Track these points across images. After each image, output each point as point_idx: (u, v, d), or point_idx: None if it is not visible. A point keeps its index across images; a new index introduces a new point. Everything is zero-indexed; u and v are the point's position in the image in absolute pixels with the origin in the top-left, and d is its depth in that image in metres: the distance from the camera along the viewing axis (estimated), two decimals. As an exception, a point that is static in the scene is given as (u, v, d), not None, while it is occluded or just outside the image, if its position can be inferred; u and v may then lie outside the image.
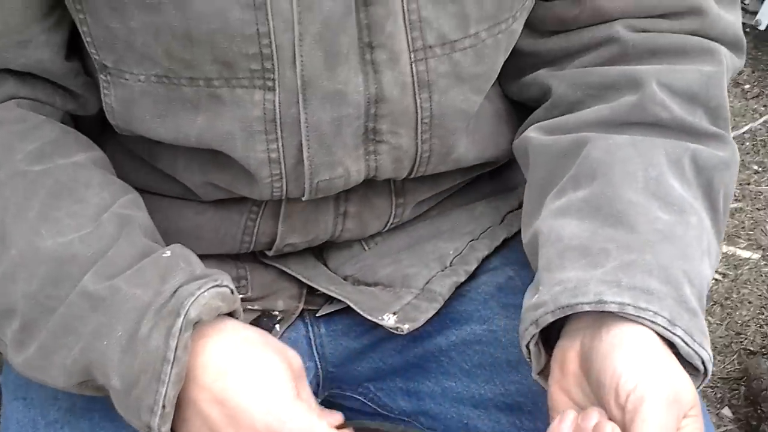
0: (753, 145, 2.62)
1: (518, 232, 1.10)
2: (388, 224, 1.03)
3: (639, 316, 0.76)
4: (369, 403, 1.07)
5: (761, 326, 2.09)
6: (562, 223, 0.84)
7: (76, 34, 0.89)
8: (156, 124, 0.87)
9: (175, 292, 0.79)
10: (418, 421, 1.03)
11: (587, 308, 0.77)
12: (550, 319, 0.79)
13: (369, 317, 0.98)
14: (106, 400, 0.85)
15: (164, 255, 0.84)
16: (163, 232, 0.99)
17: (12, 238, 0.83)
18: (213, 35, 0.80)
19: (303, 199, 0.92)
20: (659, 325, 0.76)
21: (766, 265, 2.25)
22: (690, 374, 0.77)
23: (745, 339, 2.06)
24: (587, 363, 0.77)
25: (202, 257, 1.02)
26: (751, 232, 2.34)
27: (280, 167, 0.89)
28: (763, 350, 1.85)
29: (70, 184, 0.86)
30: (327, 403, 1.13)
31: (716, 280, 2.21)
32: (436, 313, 0.99)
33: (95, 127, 0.97)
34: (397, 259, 1.03)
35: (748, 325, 2.09)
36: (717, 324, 2.10)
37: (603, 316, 0.77)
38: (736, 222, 2.37)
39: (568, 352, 0.80)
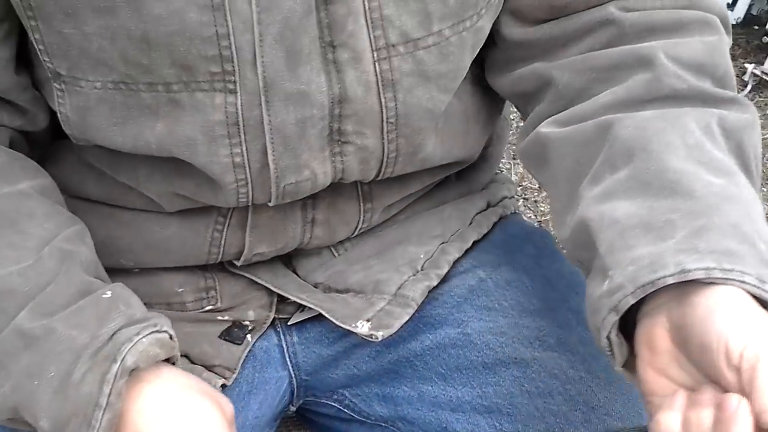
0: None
1: (487, 234, 1.09)
2: (357, 230, 1.02)
3: (727, 278, 0.71)
4: (345, 410, 1.06)
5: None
6: (611, 206, 0.79)
7: (22, 46, 0.87)
8: (113, 133, 0.85)
9: (112, 336, 0.78)
10: (396, 427, 1.02)
11: (671, 280, 0.72)
12: (632, 301, 0.73)
13: (342, 325, 0.97)
14: None
15: (104, 296, 0.82)
16: (128, 245, 0.98)
17: None
18: (171, 38, 0.78)
19: (270, 204, 0.91)
20: (748, 284, 0.71)
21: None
22: None
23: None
24: (683, 333, 0.72)
25: (170, 269, 1.01)
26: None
27: (245, 172, 0.87)
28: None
29: (13, 214, 0.84)
30: (302, 411, 1.12)
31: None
32: (410, 318, 0.98)
33: (45, 139, 0.95)
34: (368, 265, 1.02)
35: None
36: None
37: (686, 287, 0.72)
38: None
39: (656, 329, 0.74)
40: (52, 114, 0.90)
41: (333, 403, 1.06)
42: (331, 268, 1.03)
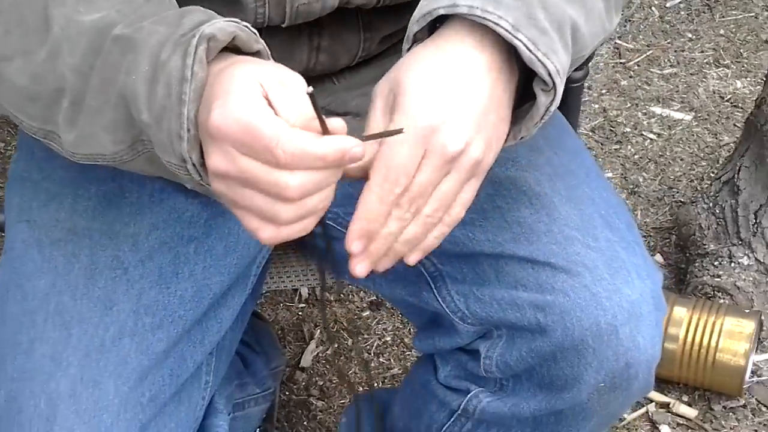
0: (688, 14, 2.73)
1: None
2: (357, 57, 1.12)
3: (485, 18, 0.82)
4: (337, 227, 1.14)
5: (692, 180, 2.24)
6: None
7: None
8: None
9: (194, 27, 0.82)
10: None
11: (442, 12, 0.84)
12: (416, 28, 0.86)
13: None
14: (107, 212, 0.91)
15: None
16: None
17: (54, 19, 0.88)
18: None
19: (283, 25, 1.01)
20: (502, 28, 0.82)
21: (697, 125, 2.38)
22: (542, 90, 0.85)
23: (677, 192, 2.20)
24: None
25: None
26: (684, 95, 2.47)
27: None
28: (694, 201, 1.99)
29: None
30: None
31: (651, 139, 2.34)
32: None
33: None
34: (365, 92, 1.11)
35: (680, 180, 2.24)
36: (651, 179, 2.24)
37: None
38: (671, 86, 2.50)
39: None
40: None
41: (327, 222, 1.18)
42: (332, 95, 1.14)
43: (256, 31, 0.84)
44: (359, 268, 0.85)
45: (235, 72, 0.79)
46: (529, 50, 0.83)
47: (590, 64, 2.51)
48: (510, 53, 0.86)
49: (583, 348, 1.02)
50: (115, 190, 1.09)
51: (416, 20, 0.86)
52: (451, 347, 1.14)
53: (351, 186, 1.14)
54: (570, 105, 1.35)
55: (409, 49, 0.87)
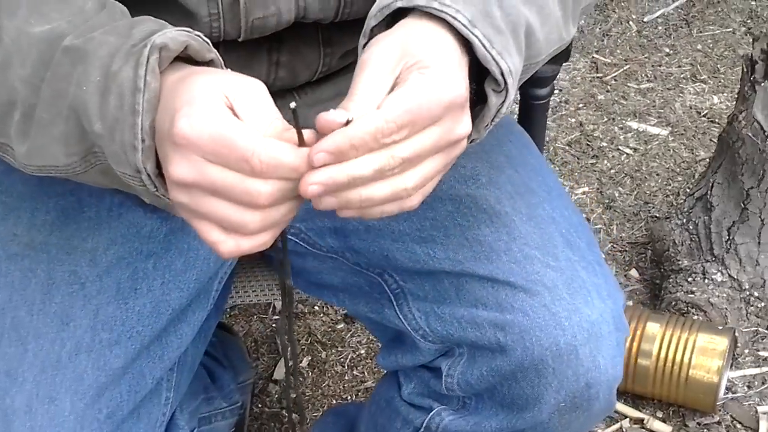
0: (665, 29, 2.74)
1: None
2: (317, 73, 1.11)
3: (442, 11, 0.81)
4: (301, 243, 1.17)
5: (667, 195, 2.24)
6: None
7: None
8: None
9: (145, 36, 0.81)
10: (344, 257, 1.14)
11: (400, 4, 0.82)
12: (373, 23, 0.85)
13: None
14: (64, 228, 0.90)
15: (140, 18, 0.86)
16: None
17: (4, 30, 0.87)
18: None
19: (240, 39, 1.00)
20: (459, 22, 0.81)
21: (673, 140, 2.38)
22: (493, 90, 0.84)
23: (653, 207, 2.21)
24: None
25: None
26: (661, 110, 2.47)
27: (217, 5, 0.97)
28: (669, 216, 1.99)
29: None
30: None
31: (627, 154, 2.35)
32: None
33: None
34: (327, 107, 1.12)
35: (656, 195, 2.24)
36: (627, 194, 2.24)
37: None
38: (648, 101, 2.50)
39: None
40: None
41: (290, 237, 1.18)
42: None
43: (208, 40, 0.83)
44: (312, 188, 0.77)
45: (196, 81, 0.79)
46: (484, 47, 0.82)
47: (567, 78, 2.52)
48: (463, 52, 0.85)
49: (542, 368, 1.02)
50: (74, 204, 1.08)
51: (374, 14, 0.85)
52: (413, 365, 1.13)
53: (311, 201, 1.14)
54: (535, 122, 1.35)
55: (365, 45, 0.85)
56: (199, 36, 0.83)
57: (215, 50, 0.84)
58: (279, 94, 1.13)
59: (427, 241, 1.08)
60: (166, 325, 1.08)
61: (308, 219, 1.15)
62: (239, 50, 1.03)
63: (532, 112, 1.35)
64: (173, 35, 0.80)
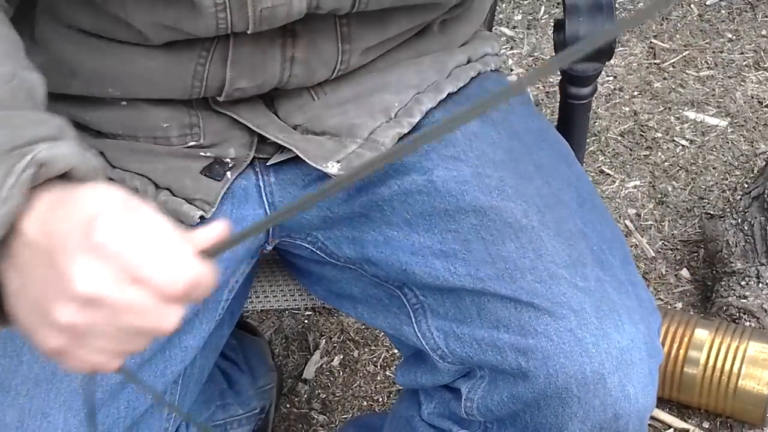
0: (728, 13, 2.61)
1: (463, 87, 1.13)
2: (336, 71, 1.05)
3: None
4: (317, 252, 1.11)
5: (724, 191, 2.13)
6: None
7: None
8: None
9: (34, 139, 0.72)
10: (362, 268, 1.08)
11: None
12: None
13: (313, 165, 1.02)
14: None
15: (41, 111, 0.78)
16: (116, 75, 1.02)
17: None
18: None
19: (248, 32, 0.94)
20: None
21: (732, 132, 2.27)
22: None
23: (708, 203, 2.10)
24: None
25: (156, 102, 1.05)
26: (721, 100, 2.36)
27: None
28: (723, 215, 1.89)
29: None
30: (281, 253, 1.18)
31: (683, 146, 2.24)
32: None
33: None
34: (345, 110, 1.06)
35: (712, 190, 2.13)
36: (681, 189, 2.14)
37: None
38: (707, 89, 2.39)
39: None
40: None
41: (307, 245, 1.11)
42: (310, 111, 1.07)
43: (101, 162, 0.77)
44: None
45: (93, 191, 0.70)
46: None
47: (622, 64, 2.42)
48: None
49: (567, 396, 0.94)
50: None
51: None
52: (432, 384, 1.07)
53: (328, 209, 1.08)
54: (575, 124, 1.26)
55: None
56: (93, 156, 0.75)
57: (103, 175, 0.75)
58: (294, 92, 1.06)
59: (448, 255, 1.01)
60: (169, 337, 1.03)
61: (326, 227, 1.09)
62: (250, 45, 0.97)
63: (572, 113, 1.27)
64: (63, 151, 0.71)
